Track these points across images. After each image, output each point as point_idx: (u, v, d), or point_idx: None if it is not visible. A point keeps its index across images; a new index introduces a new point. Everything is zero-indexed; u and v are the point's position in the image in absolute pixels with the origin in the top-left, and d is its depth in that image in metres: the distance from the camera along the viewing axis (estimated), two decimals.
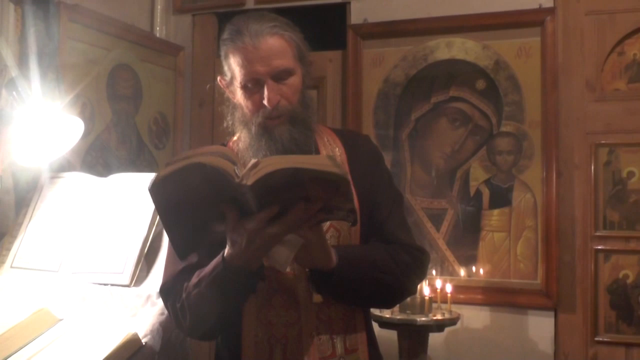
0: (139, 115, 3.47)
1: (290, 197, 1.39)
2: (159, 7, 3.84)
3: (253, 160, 1.36)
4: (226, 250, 1.51)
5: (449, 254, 3.42)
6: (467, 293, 3.34)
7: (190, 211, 1.45)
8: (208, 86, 1.87)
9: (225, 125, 1.76)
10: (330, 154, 1.73)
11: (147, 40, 3.60)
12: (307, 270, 1.62)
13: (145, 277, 2.07)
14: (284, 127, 1.66)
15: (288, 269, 1.62)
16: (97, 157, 3.13)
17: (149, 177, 2.18)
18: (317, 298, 1.63)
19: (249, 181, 1.33)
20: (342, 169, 1.40)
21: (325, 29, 3.51)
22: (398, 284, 1.72)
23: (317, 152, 1.75)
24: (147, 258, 2.09)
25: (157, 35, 3.81)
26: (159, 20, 3.83)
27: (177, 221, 1.47)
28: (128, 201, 2.21)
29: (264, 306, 1.65)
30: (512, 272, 3.32)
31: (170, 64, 3.74)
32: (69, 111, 2.47)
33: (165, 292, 1.70)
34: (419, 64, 3.52)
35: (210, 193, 1.41)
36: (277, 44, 1.64)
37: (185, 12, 3.95)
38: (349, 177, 1.39)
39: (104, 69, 3.21)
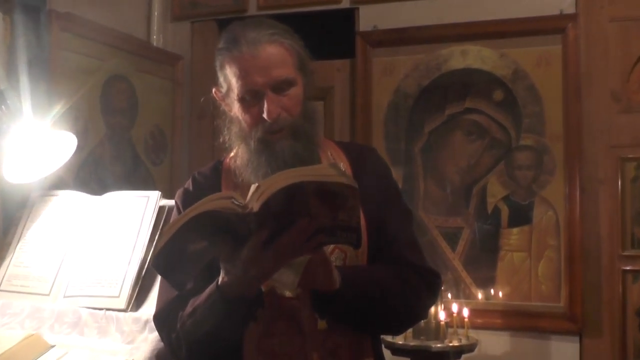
0: (135, 129, 3.45)
1: (293, 218, 1.34)
2: (156, 14, 3.84)
3: (254, 185, 1.31)
4: (220, 278, 1.46)
5: (465, 275, 3.38)
6: (485, 317, 3.28)
7: (196, 259, 1.43)
8: (202, 99, 1.83)
9: (221, 140, 1.72)
10: (332, 162, 1.70)
11: (144, 50, 3.61)
12: (310, 294, 1.57)
13: (142, 301, 2.05)
14: (286, 142, 1.62)
15: (290, 294, 1.59)
16: (90, 174, 3.11)
17: (145, 195, 2.24)
18: (322, 325, 1.58)
19: (255, 207, 1.28)
20: (349, 177, 1.37)
21: (332, 37, 3.49)
22: (406, 308, 1.68)
23: None
24: (144, 281, 2.08)
25: (154, 44, 3.80)
26: (156, 28, 3.83)
27: (181, 270, 1.45)
28: (124, 221, 2.20)
29: (265, 334, 1.60)
30: (533, 294, 3.28)
31: (168, 74, 3.73)
32: (61, 125, 2.48)
33: (160, 321, 1.66)
34: (432, 74, 3.49)
35: (216, 237, 1.38)
36: (276, 52, 1.60)
37: (183, 19, 3.94)
38: (357, 185, 1.33)
39: (97, 81, 3.20)
